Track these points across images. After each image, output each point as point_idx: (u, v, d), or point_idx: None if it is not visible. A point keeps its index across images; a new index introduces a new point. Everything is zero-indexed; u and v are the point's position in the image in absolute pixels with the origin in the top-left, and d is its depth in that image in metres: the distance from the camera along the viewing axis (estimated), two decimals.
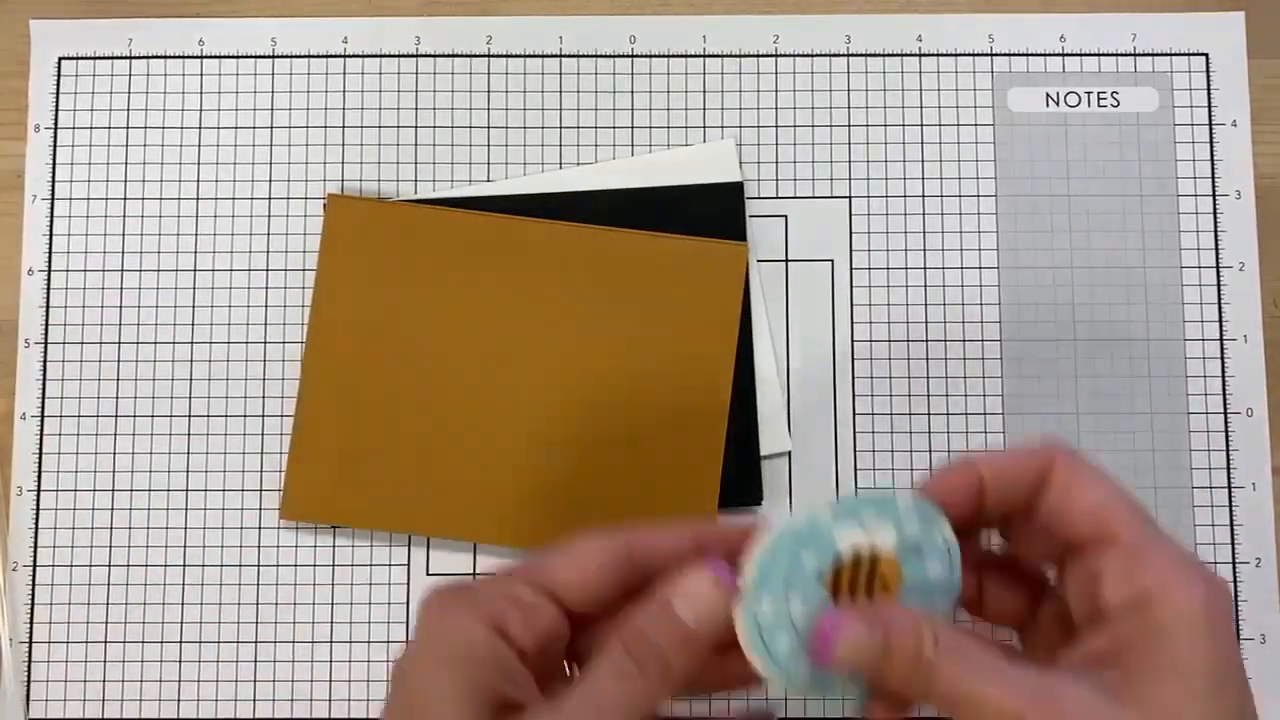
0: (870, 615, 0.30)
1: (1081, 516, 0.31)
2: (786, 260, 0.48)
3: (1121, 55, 0.50)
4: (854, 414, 0.47)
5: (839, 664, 0.30)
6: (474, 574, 0.46)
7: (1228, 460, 0.47)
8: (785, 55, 0.50)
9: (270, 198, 0.49)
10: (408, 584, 0.46)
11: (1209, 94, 0.49)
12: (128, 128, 0.49)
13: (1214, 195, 0.49)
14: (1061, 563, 0.33)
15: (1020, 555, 0.35)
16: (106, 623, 0.46)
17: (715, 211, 0.48)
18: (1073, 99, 0.49)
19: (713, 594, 0.31)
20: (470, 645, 0.30)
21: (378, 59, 0.50)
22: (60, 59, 0.50)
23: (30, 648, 0.46)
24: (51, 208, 0.49)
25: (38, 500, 0.47)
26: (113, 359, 0.48)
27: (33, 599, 0.47)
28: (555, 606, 0.32)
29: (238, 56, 0.50)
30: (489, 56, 0.50)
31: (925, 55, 0.49)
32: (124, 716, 0.46)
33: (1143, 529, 0.30)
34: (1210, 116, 0.49)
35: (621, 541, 0.33)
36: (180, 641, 0.46)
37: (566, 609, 0.32)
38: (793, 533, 0.31)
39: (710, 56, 0.49)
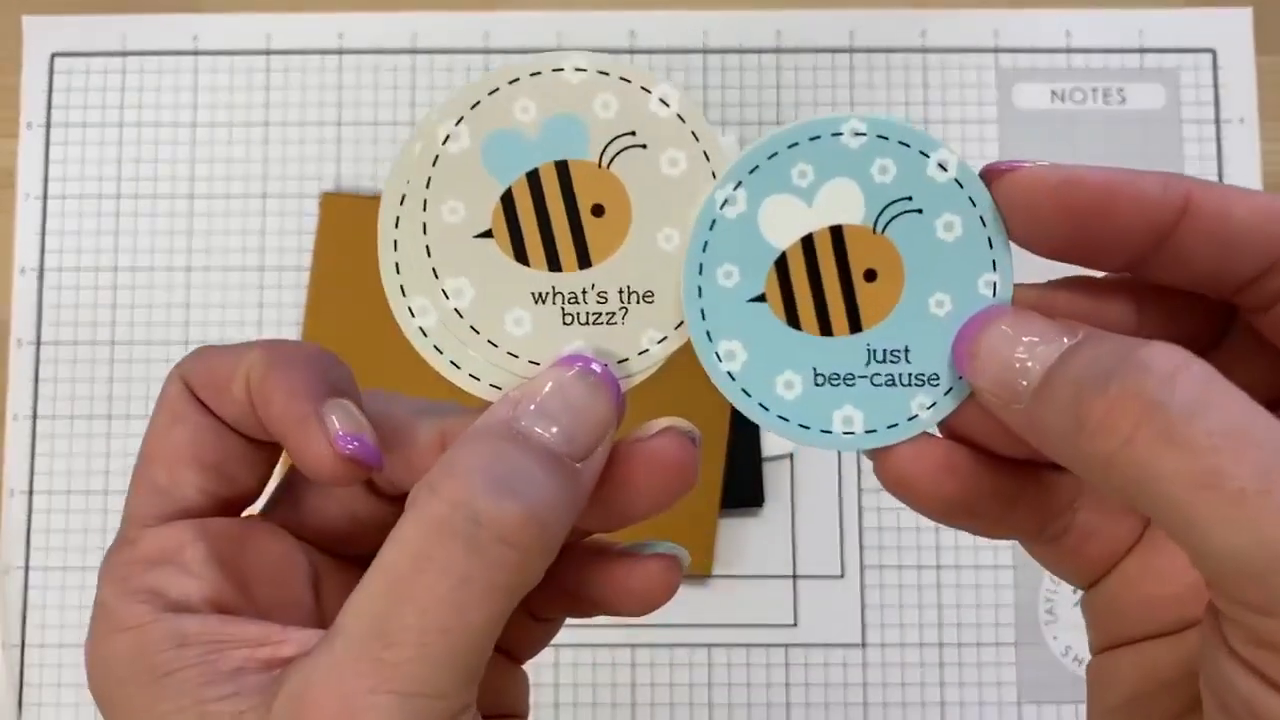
0: (1058, 320, 0.21)
1: (1254, 230, 0.21)
2: None
3: (1128, 51, 0.49)
4: None
5: (977, 372, 0.21)
6: None
7: None
8: (787, 51, 0.49)
9: (265, 195, 0.48)
10: None
11: (1216, 91, 0.49)
12: (121, 125, 0.49)
13: None
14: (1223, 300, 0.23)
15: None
16: None
17: None
18: (1078, 95, 0.49)
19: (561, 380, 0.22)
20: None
21: (374, 55, 0.49)
22: (53, 55, 0.49)
23: (23, 651, 0.46)
24: (44, 206, 0.48)
25: (30, 502, 0.47)
26: (106, 359, 0.47)
27: (25, 602, 0.46)
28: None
29: (232, 53, 0.49)
30: (486, 52, 0.49)
31: (929, 51, 0.49)
32: None
33: None
34: (1217, 113, 0.49)
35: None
36: None
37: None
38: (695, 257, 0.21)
39: (711, 52, 0.49)
